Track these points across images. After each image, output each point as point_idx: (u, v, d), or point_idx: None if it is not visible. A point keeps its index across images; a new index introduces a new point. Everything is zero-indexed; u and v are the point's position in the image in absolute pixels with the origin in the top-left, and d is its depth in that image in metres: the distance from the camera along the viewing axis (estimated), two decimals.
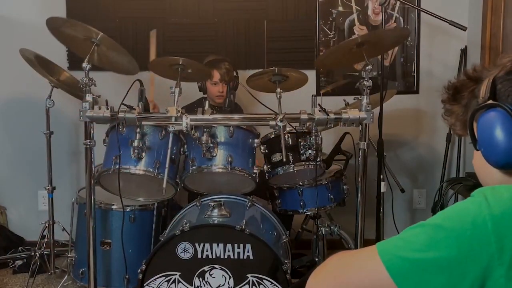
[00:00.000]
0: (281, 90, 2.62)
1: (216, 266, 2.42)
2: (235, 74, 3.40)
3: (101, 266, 2.86)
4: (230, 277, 2.42)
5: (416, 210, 4.03)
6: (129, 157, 2.58)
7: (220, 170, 2.63)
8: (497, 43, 3.62)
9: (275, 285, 2.40)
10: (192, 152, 2.69)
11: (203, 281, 2.42)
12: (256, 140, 2.72)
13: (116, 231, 2.90)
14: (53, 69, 3.29)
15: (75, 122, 3.87)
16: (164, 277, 2.43)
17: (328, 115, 2.50)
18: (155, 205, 3.03)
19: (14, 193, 4.02)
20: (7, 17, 3.89)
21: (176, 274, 2.43)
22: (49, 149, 3.33)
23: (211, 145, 2.59)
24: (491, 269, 0.84)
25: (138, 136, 2.55)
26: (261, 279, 2.40)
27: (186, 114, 2.44)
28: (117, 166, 2.57)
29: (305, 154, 2.70)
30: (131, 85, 2.56)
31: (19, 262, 3.62)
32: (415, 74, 3.94)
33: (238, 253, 2.40)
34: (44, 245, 3.35)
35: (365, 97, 2.54)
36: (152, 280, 2.43)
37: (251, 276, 2.41)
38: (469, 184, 3.31)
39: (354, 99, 2.75)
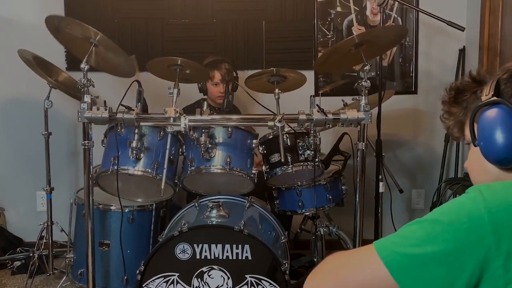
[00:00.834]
0: (280, 91, 2.62)
1: (215, 266, 2.42)
2: (235, 74, 3.40)
3: (99, 267, 2.86)
4: (228, 278, 2.41)
5: (415, 210, 4.03)
6: (127, 157, 2.59)
7: (219, 171, 2.63)
8: (495, 44, 3.62)
9: (273, 285, 2.40)
10: (190, 153, 2.69)
11: (202, 281, 2.42)
12: (254, 141, 2.72)
13: (115, 232, 2.90)
14: (52, 69, 3.28)
15: (74, 123, 3.85)
16: (163, 278, 2.43)
17: (326, 116, 2.51)
18: (154, 205, 3.03)
19: (13, 194, 4.01)
20: (6, 17, 3.88)
21: (174, 275, 2.43)
22: (48, 150, 3.33)
23: (210, 145, 2.59)
24: (489, 260, 0.85)
25: (136, 136, 2.55)
26: (260, 279, 2.40)
27: (184, 115, 2.44)
28: (115, 167, 2.57)
29: (304, 154, 2.70)
30: (130, 86, 2.57)
31: (17, 263, 3.61)
32: (413, 74, 3.94)
33: (237, 253, 2.40)
34: (42, 246, 3.34)
35: (364, 97, 2.55)
36: (151, 281, 2.43)
37: (250, 276, 2.41)
38: (467, 184, 3.27)
39: (353, 100, 2.74)
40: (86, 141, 2.57)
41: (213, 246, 2.41)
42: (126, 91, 2.55)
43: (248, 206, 2.76)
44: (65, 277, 3.16)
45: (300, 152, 2.72)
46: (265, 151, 2.80)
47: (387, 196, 3.40)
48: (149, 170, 2.61)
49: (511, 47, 3.33)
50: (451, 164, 3.96)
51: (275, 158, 2.76)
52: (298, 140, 2.73)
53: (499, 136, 0.98)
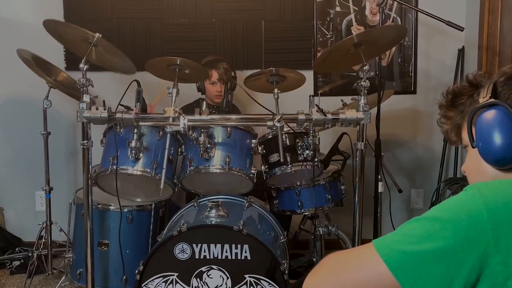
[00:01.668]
0: (279, 91, 2.62)
1: (214, 266, 2.42)
2: (233, 74, 3.40)
3: (98, 267, 2.86)
4: (227, 278, 2.41)
5: (414, 210, 4.03)
6: (126, 157, 2.59)
7: (218, 171, 2.63)
8: (495, 43, 3.62)
9: (272, 285, 2.39)
10: (189, 153, 2.69)
11: (201, 281, 2.42)
12: (253, 141, 2.71)
13: (114, 232, 2.89)
14: (51, 69, 3.28)
15: (73, 123, 3.86)
16: (162, 278, 2.43)
17: (325, 116, 2.50)
18: (153, 205, 3.02)
19: (12, 193, 4.01)
20: (5, 17, 3.88)
21: (173, 275, 2.43)
22: (47, 149, 3.33)
23: (209, 145, 2.59)
24: (488, 256, 0.85)
25: (135, 136, 2.55)
26: (259, 279, 2.40)
27: (183, 114, 2.43)
28: (114, 167, 2.57)
29: (303, 154, 2.70)
30: (129, 86, 2.57)
31: (16, 263, 3.61)
32: (412, 74, 3.95)
33: (236, 253, 2.40)
34: (41, 246, 3.34)
35: (363, 97, 2.54)
36: (150, 281, 2.43)
37: (249, 276, 2.41)
38: (466, 184, 3.28)
39: (352, 100, 2.74)
40: (85, 141, 2.56)
41: (212, 246, 2.41)
42: (125, 91, 2.56)
43: (247, 206, 2.76)
44: (64, 277, 3.16)
45: (299, 152, 2.72)
46: (264, 151, 2.79)
47: (386, 196, 3.40)
48: (148, 170, 2.61)
49: (510, 46, 3.33)
50: (450, 164, 3.96)
51: (274, 158, 2.76)
52: (297, 140, 2.73)
53: (497, 137, 0.99)
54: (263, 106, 2.75)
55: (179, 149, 2.74)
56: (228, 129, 2.65)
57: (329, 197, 2.95)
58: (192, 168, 2.65)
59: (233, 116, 2.61)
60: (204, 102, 2.63)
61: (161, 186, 2.54)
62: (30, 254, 3.40)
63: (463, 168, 1.15)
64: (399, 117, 3.93)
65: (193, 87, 3.38)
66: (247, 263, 2.40)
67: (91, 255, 2.69)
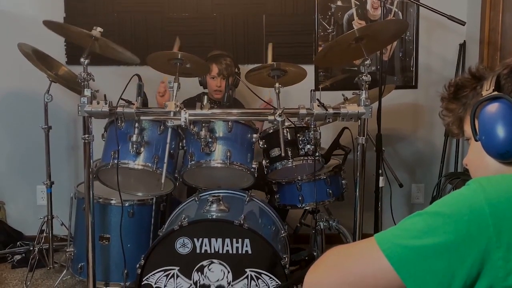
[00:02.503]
0: (280, 85, 2.62)
1: (215, 260, 2.42)
2: (236, 70, 3.39)
3: (100, 261, 2.87)
4: (228, 272, 2.42)
5: (415, 205, 4.03)
6: (127, 152, 2.59)
7: (219, 165, 2.63)
8: (496, 38, 3.61)
9: (273, 279, 2.40)
10: (190, 147, 2.70)
11: (202, 275, 2.43)
12: (255, 135, 2.71)
13: (115, 226, 2.90)
14: (51, 63, 3.28)
15: (74, 117, 3.85)
16: (163, 272, 2.43)
17: (326, 110, 2.50)
18: (154, 200, 3.03)
19: (13, 187, 4.01)
20: (5, 11, 3.87)
21: (175, 269, 2.43)
22: (48, 144, 3.33)
23: (210, 140, 2.59)
24: (490, 251, 0.85)
25: (136, 131, 2.55)
26: (260, 273, 2.41)
27: (184, 109, 2.43)
28: (115, 161, 2.57)
29: (304, 149, 2.71)
30: (130, 80, 2.56)
31: (17, 257, 3.61)
32: (413, 68, 3.94)
33: (237, 247, 2.41)
34: (42, 240, 3.35)
35: (364, 92, 2.54)
36: (151, 275, 2.43)
37: (250, 270, 2.41)
38: (467, 179, 3.27)
39: (353, 94, 2.73)
40: (86, 135, 2.57)
41: (213, 240, 2.41)
42: (126, 85, 2.55)
43: (248, 200, 2.76)
44: (65, 271, 3.16)
45: (300, 147, 2.72)
46: (265, 146, 2.80)
47: (387, 191, 3.40)
48: (149, 164, 2.61)
49: (511, 41, 3.33)
50: (451, 158, 3.96)
51: (275, 152, 2.76)
52: (298, 135, 2.73)
53: (501, 130, 0.99)
54: (264, 101, 2.75)
55: (180, 144, 2.74)
56: (229, 123, 2.65)
57: (330, 191, 2.95)
58: (193, 162, 2.65)
59: (234, 111, 2.60)
60: (206, 96, 2.63)
61: (162, 181, 2.54)
62: (31, 248, 3.40)
63: (465, 161, 1.14)
64: (400, 111, 3.93)
65: (196, 81, 3.38)
66: (248, 257, 2.41)
67: (92, 249, 2.70)
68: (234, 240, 2.40)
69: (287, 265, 2.43)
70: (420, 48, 3.91)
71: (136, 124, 2.55)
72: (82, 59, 2.52)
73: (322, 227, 3.03)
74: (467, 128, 1.10)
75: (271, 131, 2.77)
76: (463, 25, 3.10)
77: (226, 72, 3.31)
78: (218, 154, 2.63)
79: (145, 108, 2.58)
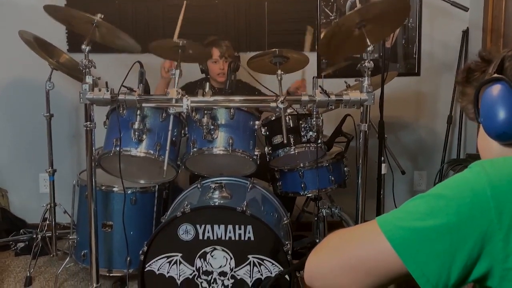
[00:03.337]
0: (282, 72, 2.61)
1: (218, 247, 2.43)
2: (236, 54, 3.38)
3: (102, 248, 2.88)
4: (231, 258, 2.42)
5: (417, 192, 3.95)
6: (129, 139, 2.58)
7: (221, 152, 2.62)
8: (499, 25, 3.60)
9: (276, 266, 2.41)
10: (193, 134, 2.69)
11: (205, 262, 2.43)
12: (257, 122, 2.71)
13: (118, 213, 2.91)
14: (53, 51, 3.27)
15: (75, 105, 3.86)
16: (166, 258, 2.44)
17: (329, 97, 2.48)
18: (156, 187, 3.04)
19: (15, 176, 4.02)
20: None
21: (177, 255, 2.44)
22: (50, 131, 3.32)
23: (212, 127, 2.58)
24: (491, 233, 0.85)
25: (138, 118, 2.54)
26: (262, 260, 2.41)
27: (187, 96, 2.42)
28: (117, 149, 2.56)
29: (306, 136, 2.70)
30: (131, 67, 2.55)
31: (21, 245, 3.63)
32: (416, 56, 3.92)
33: (239, 234, 2.41)
34: (45, 228, 3.36)
35: (366, 78, 2.52)
36: (154, 261, 2.44)
37: (252, 257, 2.42)
38: (469, 165, 3.30)
39: (355, 81, 2.72)
40: (88, 123, 2.56)
41: (215, 227, 2.41)
42: (128, 72, 2.53)
43: (251, 188, 2.77)
44: (68, 258, 3.16)
45: (302, 134, 2.71)
46: (267, 133, 2.79)
47: (389, 178, 3.40)
48: (152, 152, 2.61)
49: None
50: (454, 146, 3.95)
51: (277, 139, 2.75)
52: (300, 122, 2.72)
53: (498, 112, 0.98)
54: (266, 88, 2.74)
55: (182, 131, 2.73)
56: (231, 110, 2.64)
57: (332, 178, 2.95)
58: (195, 149, 2.64)
59: (236, 98, 2.59)
60: (207, 83, 2.61)
61: (165, 168, 2.53)
62: (34, 236, 3.41)
63: (477, 139, 1.14)
64: (403, 99, 3.92)
65: (195, 67, 3.37)
66: (250, 244, 2.41)
67: (95, 237, 2.69)
68: (237, 226, 2.41)
69: (289, 252, 2.43)
70: (423, 35, 3.90)
71: (138, 112, 2.54)
72: (83, 46, 2.50)
73: (324, 214, 3.04)
74: None
75: (273, 118, 2.77)
76: (466, 11, 3.08)
77: (227, 54, 3.32)
78: (220, 141, 2.62)
79: (147, 95, 2.56)
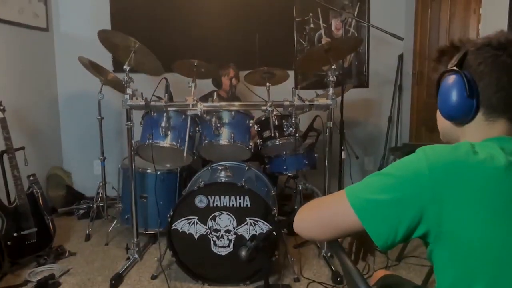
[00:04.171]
0: (270, 84, 2.56)
1: (224, 212, 2.38)
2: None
3: (140, 213, 2.84)
4: (234, 220, 2.38)
5: (367, 171, 4.00)
6: (159, 134, 2.53)
7: (226, 143, 2.57)
8: (425, 51, 3.57)
9: (266, 225, 2.37)
10: (204, 130, 2.63)
11: (214, 222, 2.39)
12: (251, 121, 2.66)
13: (151, 188, 2.87)
14: (102, 71, 3.20)
15: (119, 110, 3.79)
16: (186, 220, 2.39)
17: (304, 102, 2.46)
18: (178, 169, 3.00)
19: (77, 161, 3.96)
20: (69, 33, 3.80)
21: (195, 218, 2.39)
22: (101, 129, 3.26)
23: (219, 125, 2.53)
24: (427, 206, 0.81)
25: (165, 119, 2.50)
26: (256, 221, 2.37)
27: (200, 102, 2.39)
28: (150, 141, 2.51)
29: (288, 131, 2.65)
30: (159, 82, 2.51)
31: (81, 212, 3.57)
32: (366, 73, 3.88)
33: (240, 202, 2.36)
34: (99, 199, 3.31)
35: (331, 89, 2.52)
36: (178, 222, 2.39)
37: (249, 219, 2.37)
38: (404, 150, 3.27)
39: (323, 91, 2.69)
40: (129, 123, 2.55)
41: (222, 197, 2.37)
42: (157, 86, 2.50)
43: (248, 169, 2.72)
44: (115, 220, 3.14)
45: (285, 129, 2.67)
46: (259, 129, 2.74)
47: (347, 161, 3.38)
48: (175, 143, 2.55)
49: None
50: (393, 137, 3.92)
51: (266, 133, 2.71)
52: (283, 121, 2.67)
53: (449, 98, 0.92)
54: (258, 96, 2.69)
55: (197, 128, 2.68)
56: (233, 112, 2.58)
57: (306, 162, 2.89)
58: (206, 142, 2.59)
59: (236, 103, 2.55)
60: (215, 93, 2.58)
61: (184, 154, 2.49)
62: (91, 205, 3.36)
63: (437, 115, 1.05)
64: (356, 104, 3.88)
65: (207, 82, 3.32)
66: (247, 209, 2.37)
67: (135, 205, 2.68)
68: (238, 197, 2.36)
69: (276, 214, 2.40)
70: (370, 58, 3.86)
71: (165, 114, 2.49)
72: (124, 67, 2.48)
73: (300, 188, 3.00)
74: None
75: (264, 118, 2.71)
76: (402, 40, 3.02)
77: (237, 74, 3.29)
78: (225, 135, 2.57)
79: (171, 102, 2.52)
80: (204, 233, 2.40)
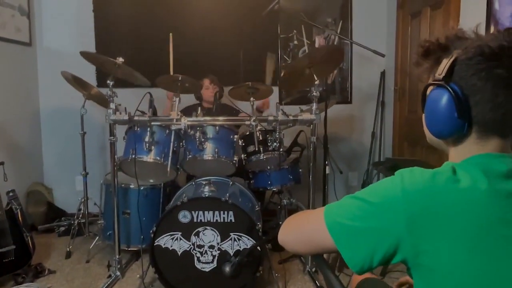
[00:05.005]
0: (254, 99, 2.57)
1: (208, 227, 2.36)
2: (220, 85, 3.36)
3: (123, 230, 2.79)
4: (218, 235, 2.36)
5: (351, 187, 4.02)
6: (142, 149, 2.51)
7: (210, 158, 2.56)
8: (406, 67, 3.64)
9: (250, 240, 2.35)
10: (188, 145, 2.62)
11: (198, 238, 2.36)
12: (236, 136, 2.66)
13: (134, 204, 2.83)
14: (86, 85, 3.18)
15: (102, 125, 3.76)
16: (170, 236, 2.36)
17: (288, 117, 2.47)
18: (162, 184, 2.96)
19: (58, 177, 3.89)
20: (53, 48, 3.77)
21: (178, 234, 2.36)
22: (83, 144, 3.22)
23: (203, 139, 2.52)
24: (402, 238, 0.78)
25: (148, 133, 2.48)
26: (240, 236, 2.35)
27: (184, 117, 2.38)
28: (133, 156, 2.49)
29: (272, 146, 2.66)
30: (143, 97, 2.49)
31: (62, 228, 3.50)
32: (349, 89, 3.94)
33: (224, 217, 2.35)
34: (80, 216, 3.25)
35: (315, 104, 2.53)
36: (161, 238, 2.36)
37: (233, 234, 2.35)
38: (387, 165, 3.30)
39: (307, 106, 2.71)
40: (112, 137, 2.51)
41: (206, 212, 2.35)
42: (141, 100, 2.48)
43: (231, 184, 2.71)
44: (97, 237, 3.08)
45: (269, 144, 2.67)
46: (243, 144, 2.74)
47: (331, 176, 3.39)
48: (158, 158, 2.53)
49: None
50: (376, 153, 3.96)
51: (251, 148, 2.71)
52: (267, 135, 2.68)
53: (434, 115, 0.86)
54: (242, 111, 2.70)
55: (181, 143, 2.67)
56: (217, 127, 2.58)
57: (291, 177, 2.91)
58: (190, 156, 2.57)
59: (221, 118, 2.55)
60: (199, 107, 2.58)
61: (168, 170, 2.47)
62: (72, 222, 3.29)
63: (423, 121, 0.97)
64: (340, 120, 3.92)
65: (190, 96, 3.31)
66: (231, 225, 2.35)
67: (117, 221, 2.63)
68: (222, 212, 2.35)
69: (260, 230, 2.39)
70: (353, 75, 3.92)
71: (148, 129, 2.48)
72: (108, 81, 2.46)
73: (285, 204, 3.00)
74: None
75: (248, 133, 2.72)
76: (383, 57, 3.09)
77: (214, 82, 3.30)
78: (209, 150, 2.56)
79: (155, 117, 2.51)
80: (188, 249, 2.37)
